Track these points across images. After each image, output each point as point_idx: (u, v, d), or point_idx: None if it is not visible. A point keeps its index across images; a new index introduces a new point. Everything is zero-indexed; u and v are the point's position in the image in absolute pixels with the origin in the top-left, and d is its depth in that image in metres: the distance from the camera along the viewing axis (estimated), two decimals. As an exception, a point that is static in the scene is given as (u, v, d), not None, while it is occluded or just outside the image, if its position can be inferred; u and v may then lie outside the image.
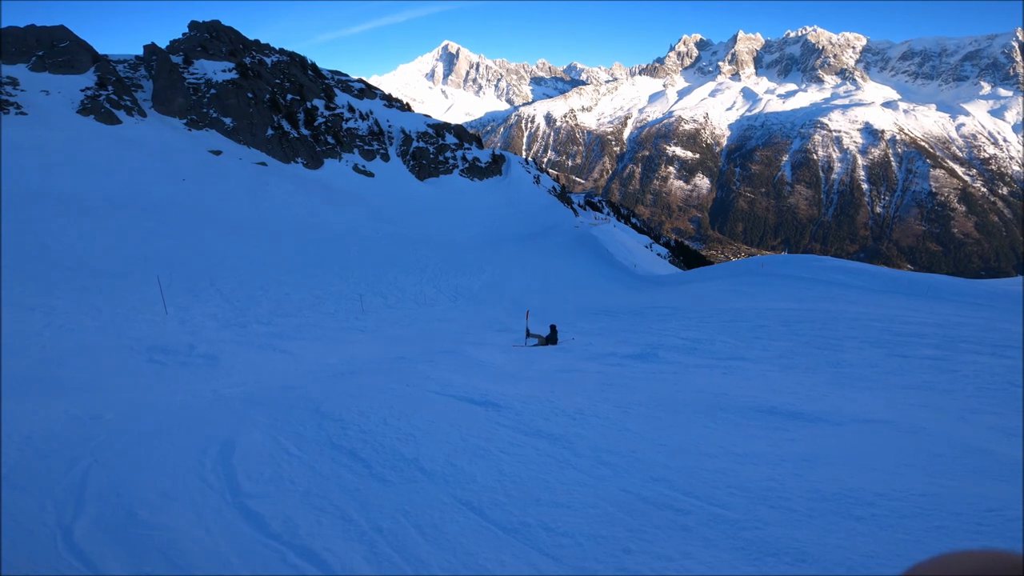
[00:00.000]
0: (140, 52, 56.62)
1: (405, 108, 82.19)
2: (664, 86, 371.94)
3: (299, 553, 2.98)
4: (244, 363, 8.60)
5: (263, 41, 66.97)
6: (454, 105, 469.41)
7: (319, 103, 63.83)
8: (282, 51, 67.87)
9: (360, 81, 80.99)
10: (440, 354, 9.76)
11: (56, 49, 47.47)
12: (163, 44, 57.95)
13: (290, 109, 58.91)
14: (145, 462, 4.36)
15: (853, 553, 2.63)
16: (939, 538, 2.71)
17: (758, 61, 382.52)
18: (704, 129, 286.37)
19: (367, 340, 12.10)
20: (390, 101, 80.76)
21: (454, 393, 6.42)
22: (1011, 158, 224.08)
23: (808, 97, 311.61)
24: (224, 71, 55.15)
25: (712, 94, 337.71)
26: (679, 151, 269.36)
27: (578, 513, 3.28)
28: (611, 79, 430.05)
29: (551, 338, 12.14)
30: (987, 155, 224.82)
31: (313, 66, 71.35)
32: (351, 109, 67.12)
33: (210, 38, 59.58)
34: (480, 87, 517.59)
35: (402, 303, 19.33)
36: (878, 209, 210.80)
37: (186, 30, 61.26)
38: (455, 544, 3.00)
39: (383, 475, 4.00)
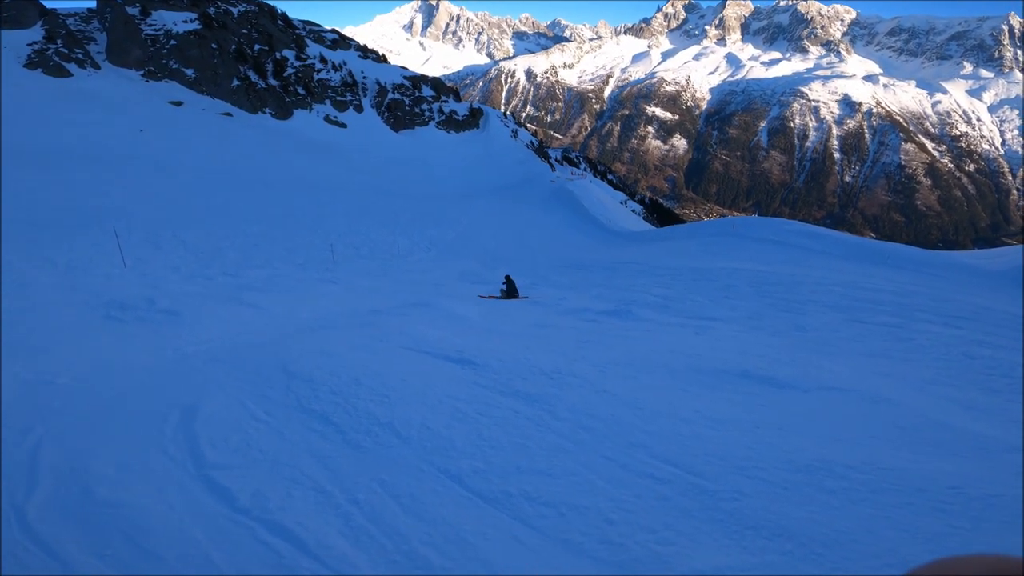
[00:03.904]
0: (93, 5, 51.82)
1: (381, 60, 78.40)
2: (649, 47, 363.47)
3: (270, 529, 2.84)
4: (209, 318, 8.15)
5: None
6: (432, 58, 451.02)
7: (289, 54, 60.29)
8: (249, 0, 63.35)
9: (334, 32, 76.64)
10: (414, 307, 9.53)
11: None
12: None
13: (257, 59, 55.53)
14: (102, 432, 4.10)
15: (828, 528, 2.66)
16: (907, 515, 2.76)
17: (745, 27, 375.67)
18: (685, 91, 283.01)
19: (338, 292, 11.72)
20: (365, 52, 76.82)
21: (429, 349, 6.23)
22: (982, 137, 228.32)
23: (791, 66, 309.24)
24: (186, 21, 51.31)
25: (696, 57, 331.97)
26: (659, 111, 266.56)
27: (560, 481, 3.25)
28: (595, 37, 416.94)
29: (511, 291, 11.96)
30: (959, 132, 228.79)
31: (283, 16, 66.99)
32: (323, 60, 63.66)
33: (170, -13, 54.89)
34: (460, 40, 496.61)
35: (375, 254, 18.86)
36: (847, 178, 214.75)
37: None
38: (435, 516, 2.92)
39: (357, 441, 3.86)
